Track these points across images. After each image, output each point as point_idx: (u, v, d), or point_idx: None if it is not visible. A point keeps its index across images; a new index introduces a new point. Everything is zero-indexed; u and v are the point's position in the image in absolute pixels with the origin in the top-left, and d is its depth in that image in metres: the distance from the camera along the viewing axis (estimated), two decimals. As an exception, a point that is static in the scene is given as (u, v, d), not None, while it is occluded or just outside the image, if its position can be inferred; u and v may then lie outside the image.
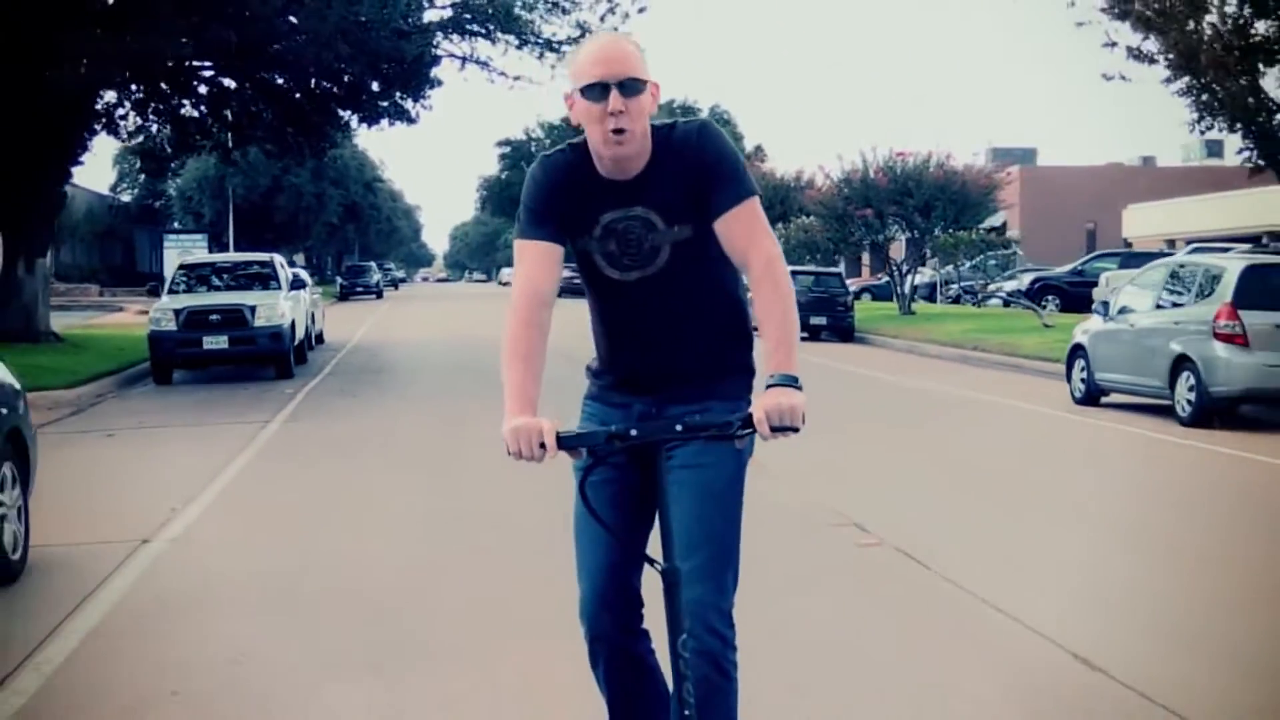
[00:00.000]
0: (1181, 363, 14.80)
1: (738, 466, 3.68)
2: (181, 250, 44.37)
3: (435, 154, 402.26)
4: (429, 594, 7.22)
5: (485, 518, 9.32)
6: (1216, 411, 14.51)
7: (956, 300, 49.15)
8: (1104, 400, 16.81)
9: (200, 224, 68.81)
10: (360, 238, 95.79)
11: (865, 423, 15.18)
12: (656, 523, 3.58)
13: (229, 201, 64.24)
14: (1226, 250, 32.03)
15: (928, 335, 30.44)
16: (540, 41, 27.93)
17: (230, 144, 31.84)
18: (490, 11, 27.58)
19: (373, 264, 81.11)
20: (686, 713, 3.34)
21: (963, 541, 8.56)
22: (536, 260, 3.61)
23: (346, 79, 27.75)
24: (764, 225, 3.60)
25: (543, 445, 3.31)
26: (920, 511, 9.55)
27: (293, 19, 23.75)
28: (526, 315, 3.56)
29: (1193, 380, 14.57)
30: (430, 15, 28.27)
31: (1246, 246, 29.90)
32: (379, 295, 69.86)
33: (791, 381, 3.37)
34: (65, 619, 6.66)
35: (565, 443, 3.36)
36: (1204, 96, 22.69)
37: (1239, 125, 23.10)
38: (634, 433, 3.41)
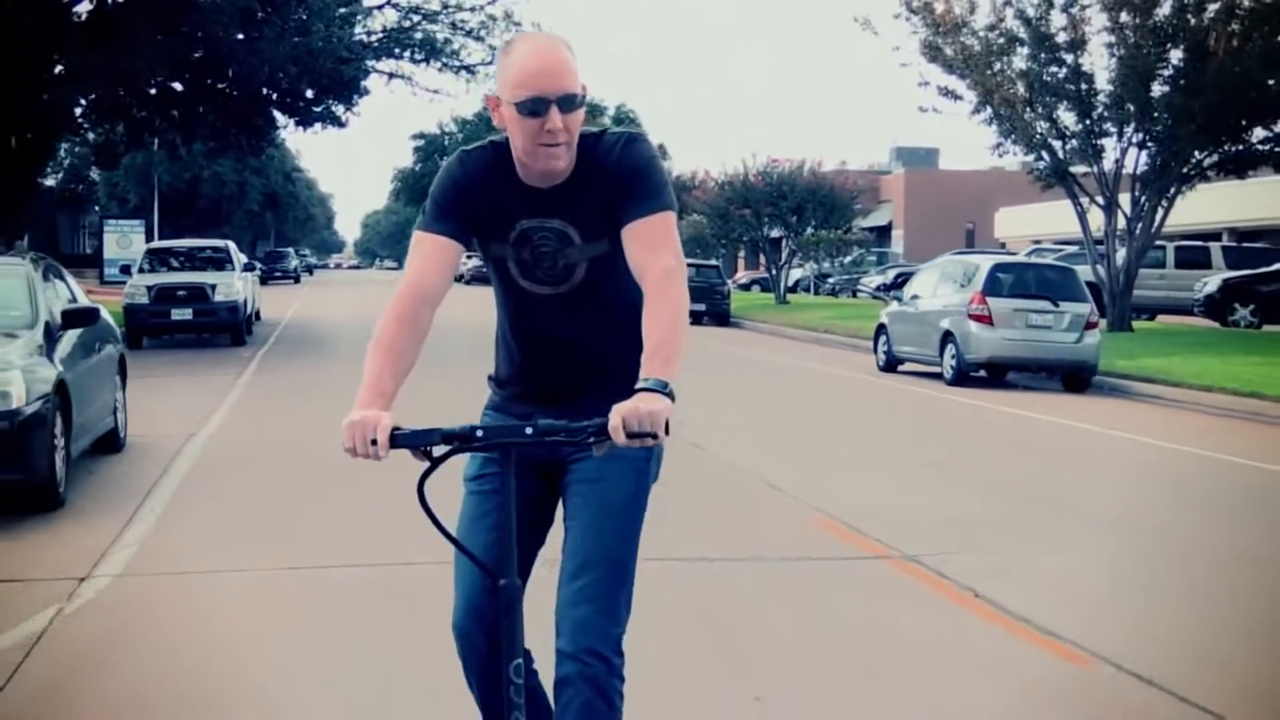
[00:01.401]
0: (947, 337, 19.41)
1: (639, 485, 3.47)
2: (120, 235, 48.27)
3: (348, 144, 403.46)
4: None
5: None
6: (969, 374, 19.17)
7: (834, 293, 53.98)
8: (900, 368, 21.40)
9: (125, 209, 71.93)
10: (278, 225, 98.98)
11: (702, 382, 19.65)
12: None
13: (154, 188, 67.54)
14: (1062, 250, 36.79)
15: (792, 321, 35.09)
16: (459, 65, 32.24)
17: (178, 141, 35.65)
18: (418, 42, 31.88)
19: (291, 250, 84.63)
20: None
21: (775, 457, 13.02)
22: (431, 255, 3.40)
23: (284, 86, 31.72)
24: (672, 240, 3.36)
25: (375, 441, 3.07)
26: (744, 437, 13.96)
27: (251, 40, 27.70)
28: (403, 310, 3.35)
29: (954, 350, 19.19)
30: (365, 34, 32.51)
31: (1072, 249, 34.79)
32: (296, 280, 73.38)
33: (661, 387, 3.09)
34: (161, 475, 10.80)
35: (398, 441, 3.06)
36: (1002, 126, 27.52)
37: (1031, 150, 28.04)
38: (479, 434, 3.12)
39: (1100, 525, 9.30)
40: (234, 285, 25.27)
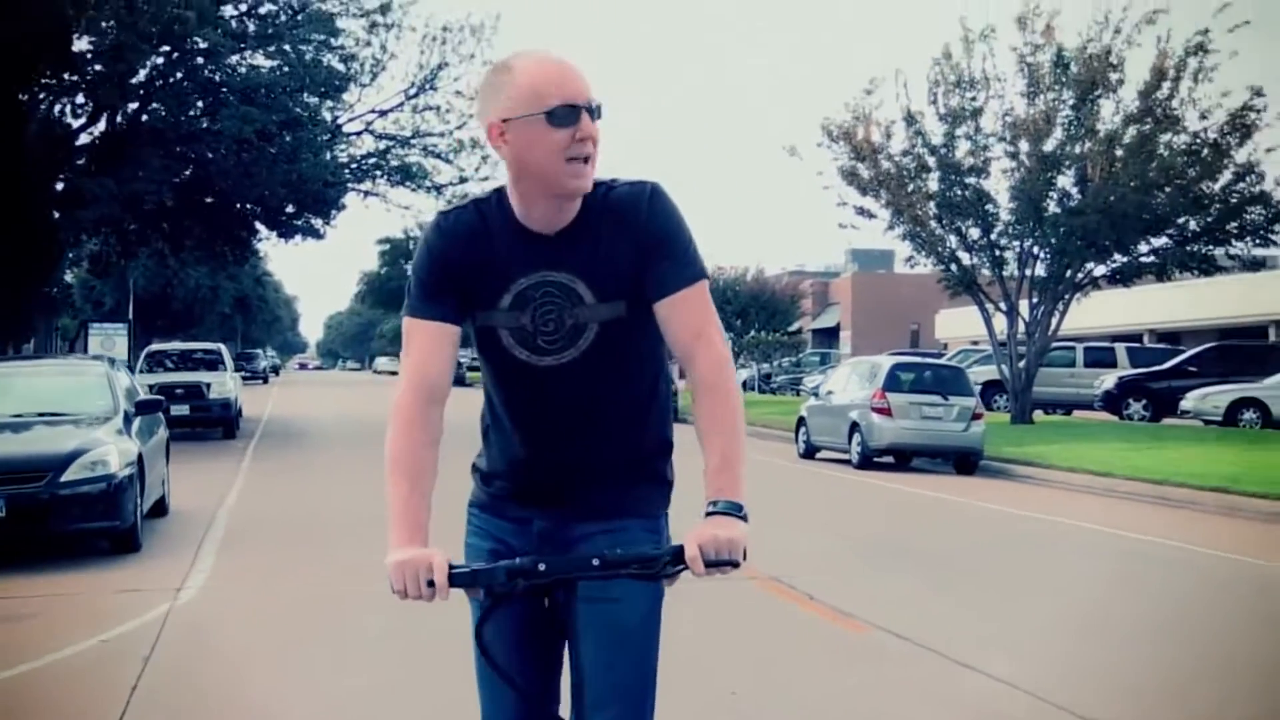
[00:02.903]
0: (854, 427, 22.49)
1: (654, 600, 3.11)
2: (104, 337, 50.90)
3: (313, 247, 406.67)
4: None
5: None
6: (872, 459, 22.26)
7: (774, 391, 57.16)
8: (817, 455, 24.45)
9: (100, 312, 74.67)
10: (246, 327, 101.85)
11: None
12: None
13: (129, 291, 70.36)
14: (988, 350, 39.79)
15: (733, 416, 38.14)
16: (430, 185, 35.56)
17: (166, 251, 38.71)
18: (393, 167, 35.28)
19: (260, 351, 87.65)
20: None
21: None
22: (428, 344, 3.01)
23: (272, 205, 34.90)
24: (715, 317, 3.03)
25: (431, 583, 2.77)
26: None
27: (245, 166, 30.91)
28: (412, 414, 2.99)
29: (859, 438, 22.26)
30: (347, 159, 35.94)
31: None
32: (265, 380, 76.38)
33: (735, 510, 2.85)
34: (206, 530, 13.67)
35: (458, 581, 2.81)
36: (914, 240, 30.94)
37: (940, 262, 31.45)
38: (542, 567, 2.82)
39: (928, 562, 12.31)
40: (227, 384, 28.24)
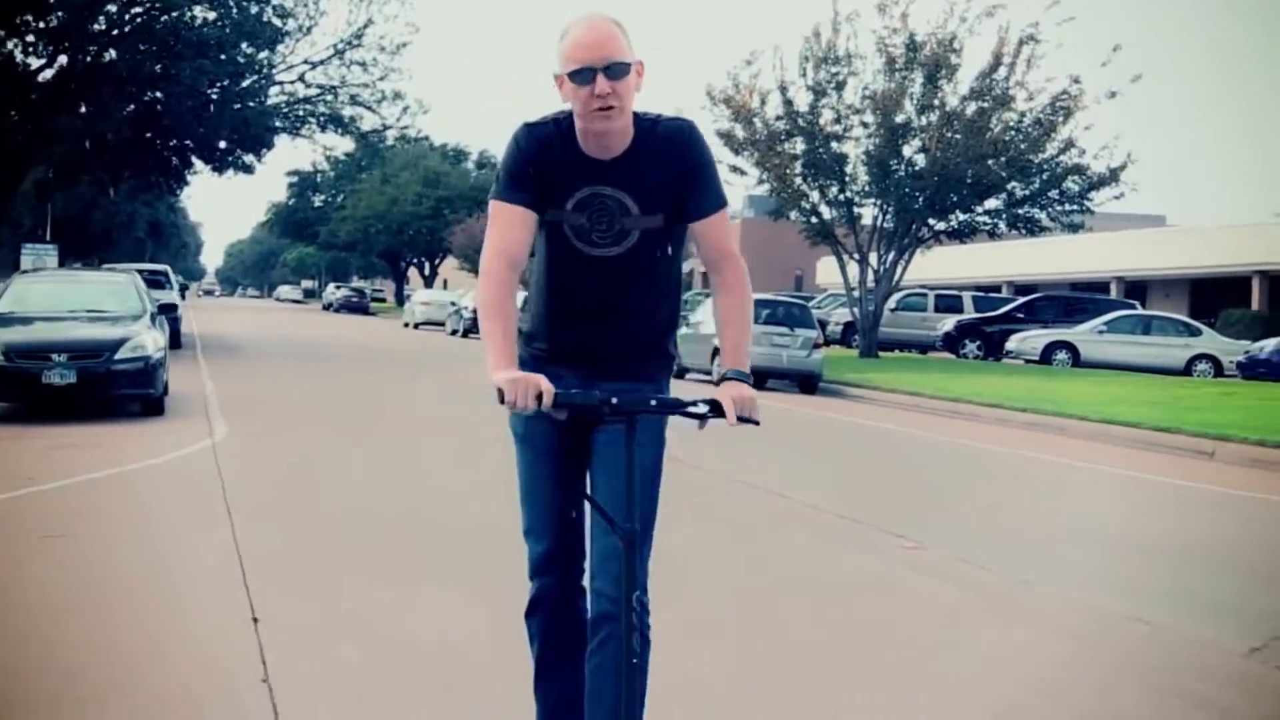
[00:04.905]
0: (715, 352, 26.96)
1: (661, 449, 3.87)
2: (35, 257, 54.23)
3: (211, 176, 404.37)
4: (334, 408, 18.69)
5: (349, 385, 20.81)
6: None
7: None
8: (686, 376, 28.93)
9: (18, 233, 77.27)
10: (156, 251, 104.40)
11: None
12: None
13: (48, 214, 73.21)
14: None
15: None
16: (355, 130, 39.55)
17: (107, 181, 42.29)
18: (324, 114, 39.32)
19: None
20: (635, 660, 3.51)
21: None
22: (511, 225, 3.71)
23: (210, 142, 38.62)
24: (734, 237, 3.88)
25: (539, 398, 3.42)
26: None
27: (197, 110, 34.72)
28: (502, 275, 3.66)
29: (719, 362, 26.74)
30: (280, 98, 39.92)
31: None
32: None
33: (745, 376, 3.69)
34: (206, 403, 17.75)
35: (561, 399, 3.47)
36: (780, 196, 35.60)
37: (803, 215, 36.14)
38: (615, 400, 3.54)
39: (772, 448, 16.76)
40: (175, 300, 32.22)
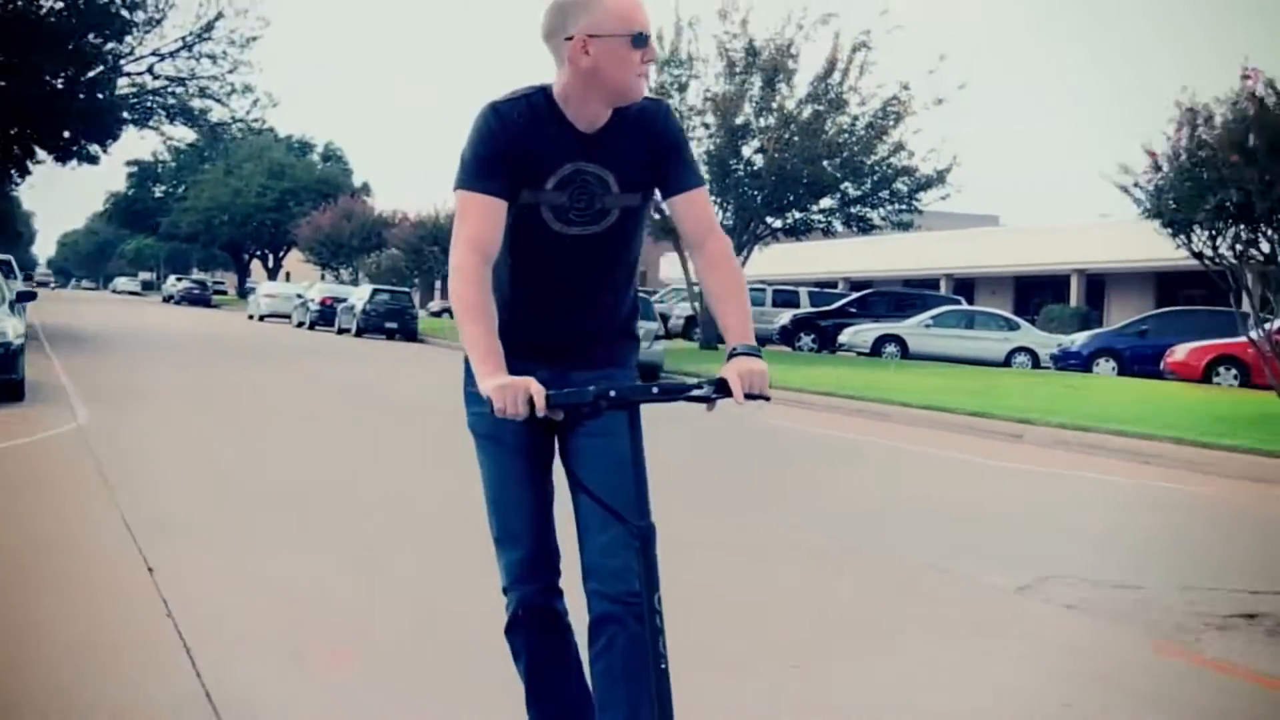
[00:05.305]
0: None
1: (640, 434, 3.58)
2: None
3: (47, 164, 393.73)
4: (189, 390, 19.20)
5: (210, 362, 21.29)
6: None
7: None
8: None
9: None
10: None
11: (403, 371, 27.54)
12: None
13: (-124, 202, 71.43)
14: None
15: (467, 338, 43.42)
16: (205, 123, 39.77)
17: (-51, 166, 41.79)
18: (173, 106, 39.37)
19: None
20: (663, 665, 3.30)
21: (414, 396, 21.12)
22: (482, 216, 3.51)
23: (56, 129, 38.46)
24: (714, 213, 3.75)
25: (530, 402, 3.19)
26: (418, 393, 21.89)
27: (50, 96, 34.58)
28: (476, 272, 3.47)
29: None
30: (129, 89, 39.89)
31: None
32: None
33: (755, 351, 3.47)
34: (63, 392, 18.17)
35: (554, 400, 3.24)
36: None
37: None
38: (613, 393, 3.28)
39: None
40: (19, 287, 32.09)
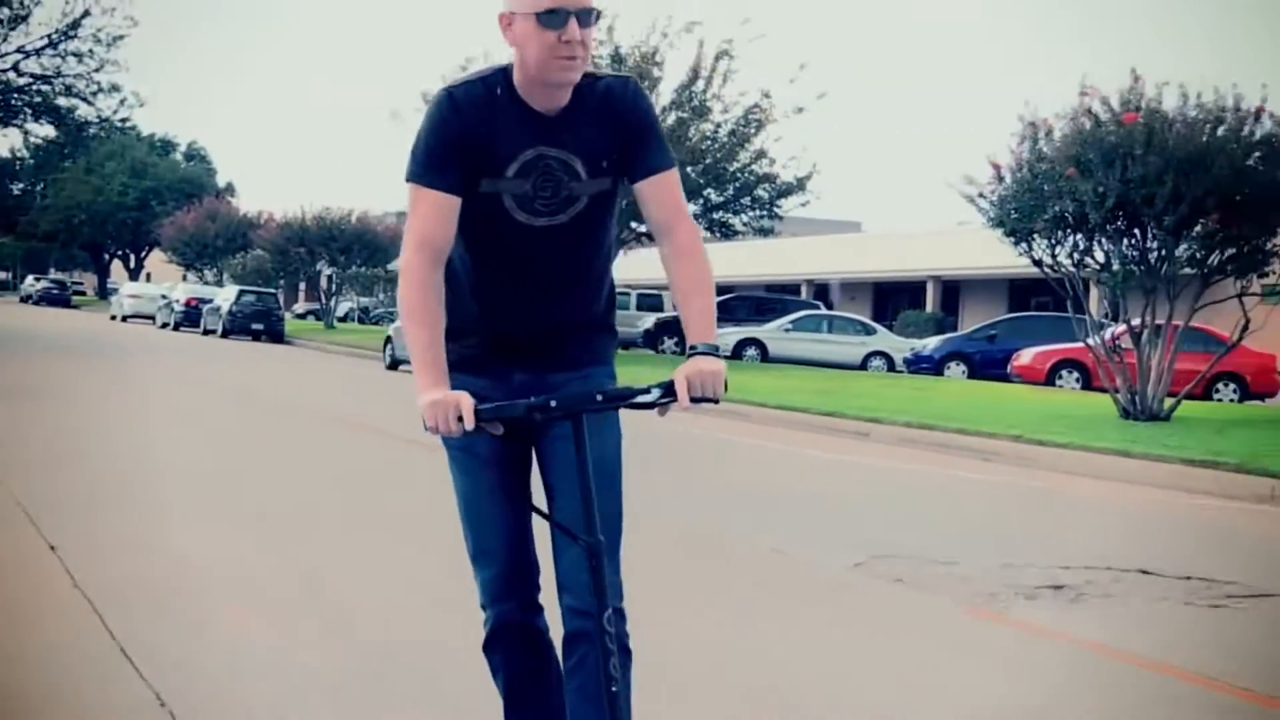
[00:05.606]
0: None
1: (618, 436, 3.55)
2: None
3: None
4: (92, 383, 19.45)
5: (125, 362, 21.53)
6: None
7: (376, 321, 62.75)
8: (400, 367, 30.28)
9: None
10: None
11: (275, 371, 27.83)
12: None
13: None
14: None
15: (334, 340, 43.69)
16: (72, 121, 39.59)
17: None
18: (43, 106, 39.19)
19: None
20: (614, 688, 3.18)
21: (326, 399, 21.53)
22: (433, 212, 3.30)
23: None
24: (684, 199, 3.50)
25: (460, 419, 3.08)
26: (326, 398, 22.31)
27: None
28: (424, 274, 3.28)
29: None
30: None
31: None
32: None
33: (714, 350, 3.29)
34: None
35: (483, 416, 3.11)
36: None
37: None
38: (554, 404, 3.15)
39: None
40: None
